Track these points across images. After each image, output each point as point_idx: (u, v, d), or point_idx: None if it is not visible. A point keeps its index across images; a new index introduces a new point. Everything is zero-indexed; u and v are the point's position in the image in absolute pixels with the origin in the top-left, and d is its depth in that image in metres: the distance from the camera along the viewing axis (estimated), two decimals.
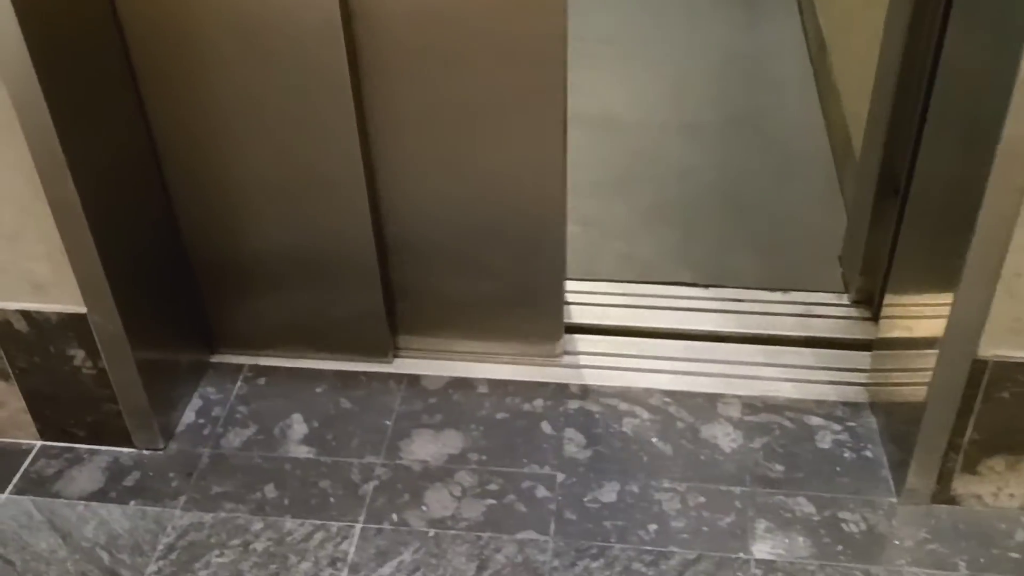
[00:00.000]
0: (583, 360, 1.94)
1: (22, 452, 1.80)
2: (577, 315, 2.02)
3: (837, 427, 1.78)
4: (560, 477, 1.72)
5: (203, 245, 1.83)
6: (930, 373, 1.53)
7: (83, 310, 1.62)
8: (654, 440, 1.77)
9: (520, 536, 1.62)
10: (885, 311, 1.81)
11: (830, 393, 1.84)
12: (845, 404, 1.82)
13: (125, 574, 1.59)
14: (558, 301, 1.89)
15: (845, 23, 2.60)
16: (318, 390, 1.90)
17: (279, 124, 1.67)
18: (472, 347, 1.94)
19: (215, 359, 1.97)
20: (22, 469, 1.77)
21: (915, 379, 1.61)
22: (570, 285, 2.07)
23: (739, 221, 2.36)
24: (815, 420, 1.79)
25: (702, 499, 1.67)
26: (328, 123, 1.65)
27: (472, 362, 1.94)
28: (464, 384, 1.90)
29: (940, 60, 1.58)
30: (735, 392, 1.85)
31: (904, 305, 1.71)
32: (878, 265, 1.91)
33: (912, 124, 1.73)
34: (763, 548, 1.59)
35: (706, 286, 2.08)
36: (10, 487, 1.75)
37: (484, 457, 1.76)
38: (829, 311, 2.00)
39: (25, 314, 1.64)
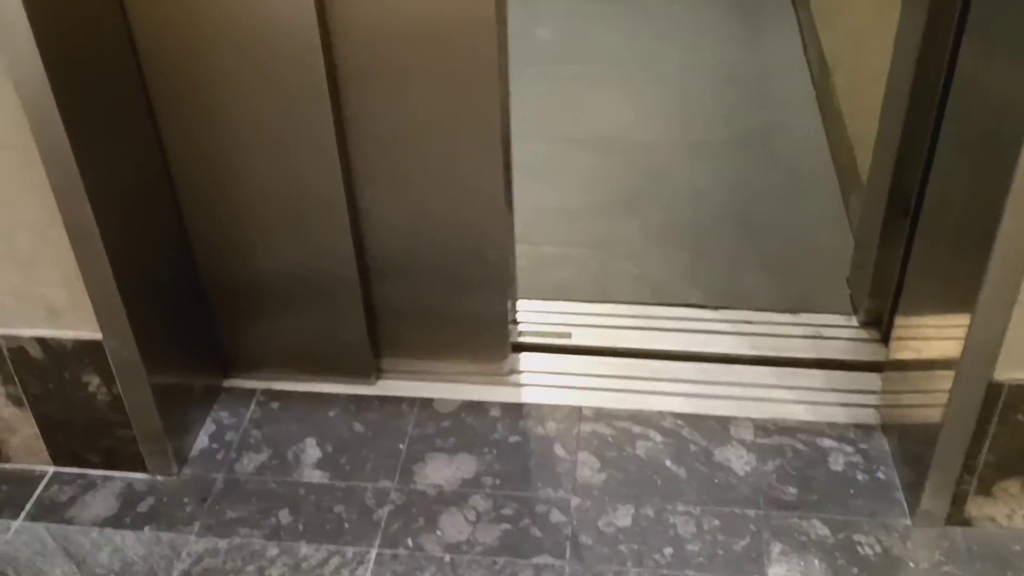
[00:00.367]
0: (591, 383, 1.95)
1: (35, 478, 1.80)
2: (581, 337, 2.03)
3: (850, 449, 1.78)
4: (575, 501, 1.72)
5: (215, 268, 1.84)
6: (943, 395, 1.53)
7: (99, 336, 1.62)
8: (668, 463, 1.77)
9: (536, 560, 1.62)
10: (896, 333, 1.81)
11: (842, 415, 1.84)
12: (857, 426, 1.82)
13: None
14: (502, 320, 1.90)
15: (848, 44, 2.62)
16: (331, 414, 1.90)
17: (274, 146, 1.68)
18: (446, 368, 1.96)
19: (228, 383, 1.97)
20: (35, 495, 1.77)
21: (927, 401, 1.62)
22: (561, 306, 2.12)
23: (747, 241, 2.37)
24: (828, 442, 1.79)
25: (717, 522, 1.67)
26: (311, 144, 1.67)
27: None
28: (476, 407, 1.90)
29: (953, 80, 1.59)
30: (747, 414, 1.85)
31: (915, 327, 1.71)
32: (887, 287, 1.92)
33: (923, 145, 1.74)
34: (779, 571, 1.60)
35: (716, 308, 2.09)
36: (23, 514, 1.74)
37: (498, 481, 1.76)
38: (838, 333, 2.01)
39: (40, 340, 1.64)
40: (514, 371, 1.98)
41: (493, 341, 1.93)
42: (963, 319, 1.46)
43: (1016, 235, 1.36)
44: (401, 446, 1.83)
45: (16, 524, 1.72)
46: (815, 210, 2.47)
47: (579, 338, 2.03)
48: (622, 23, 3.47)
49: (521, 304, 2.12)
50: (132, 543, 1.68)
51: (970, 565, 1.60)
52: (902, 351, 1.77)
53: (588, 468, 1.77)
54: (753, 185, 2.59)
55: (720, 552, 1.62)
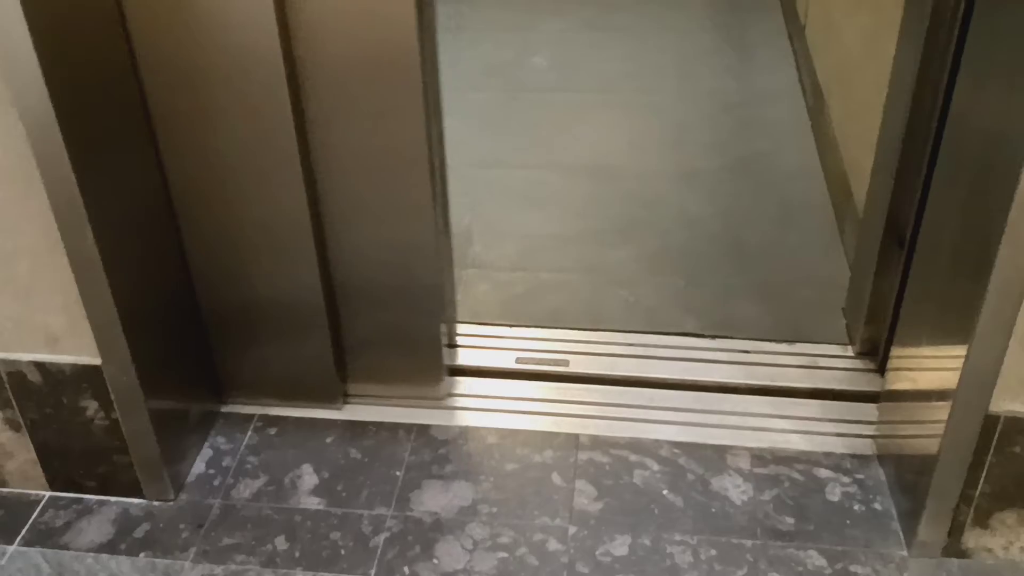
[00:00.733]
0: (586, 410, 1.95)
1: (31, 503, 1.79)
2: (577, 365, 2.03)
3: (846, 479, 1.79)
4: (572, 530, 1.72)
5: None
6: (939, 426, 1.54)
7: (98, 362, 1.62)
8: (665, 492, 1.78)
9: None
10: (892, 363, 1.82)
11: (838, 445, 1.85)
12: (853, 456, 1.83)
13: None
14: (436, 344, 1.92)
15: (843, 74, 2.64)
16: (328, 440, 1.90)
17: (256, 175, 1.70)
18: (390, 391, 1.98)
19: (225, 409, 1.97)
20: (31, 520, 1.76)
21: (924, 431, 1.63)
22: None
23: (741, 269, 2.38)
24: (824, 472, 1.80)
25: (714, 552, 1.67)
26: (282, 173, 1.69)
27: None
28: (474, 434, 1.90)
29: (948, 111, 1.60)
30: (744, 444, 1.86)
31: (911, 357, 1.72)
32: (883, 317, 1.93)
33: (919, 175, 1.75)
34: None
35: (712, 337, 2.10)
36: (19, 539, 1.73)
37: (495, 509, 1.76)
38: (834, 363, 2.02)
39: (39, 365, 1.63)
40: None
41: (428, 365, 1.95)
42: (959, 350, 1.47)
43: (1012, 267, 1.37)
44: (398, 473, 1.83)
45: (11, 549, 1.72)
46: (810, 238, 2.49)
47: (575, 365, 2.03)
48: (617, 51, 3.50)
49: (516, 331, 2.13)
50: (127, 569, 1.67)
51: None
52: (898, 381, 1.78)
53: (585, 497, 1.77)
54: (748, 213, 2.60)
55: None
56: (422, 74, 1.61)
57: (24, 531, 1.74)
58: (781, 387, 1.96)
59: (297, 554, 1.69)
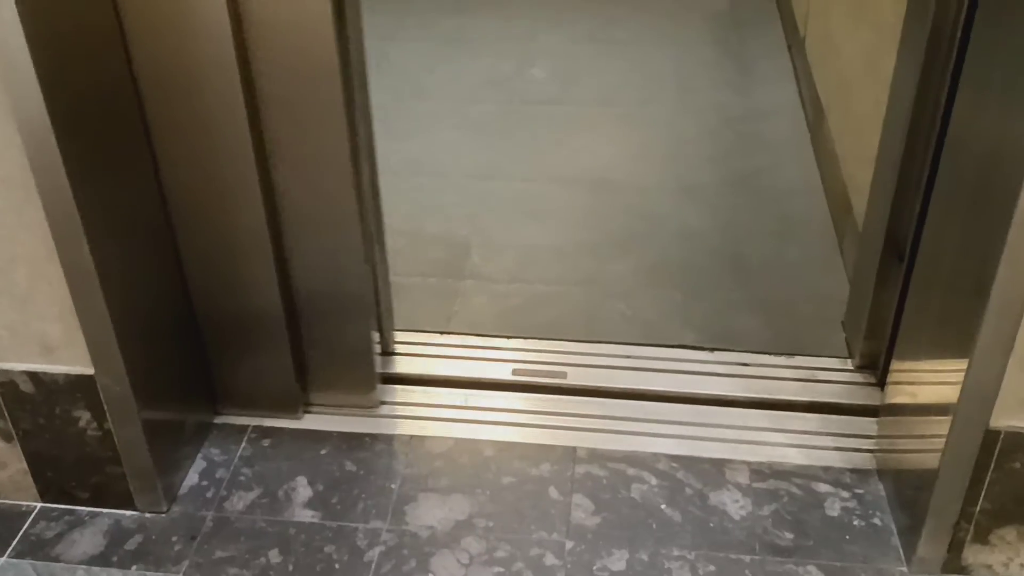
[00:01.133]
0: (583, 423, 1.94)
1: (22, 514, 1.78)
2: (574, 377, 2.02)
3: (845, 494, 1.77)
4: (569, 544, 1.70)
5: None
6: (939, 441, 1.53)
7: (91, 371, 1.61)
8: (663, 507, 1.76)
9: None
10: (891, 377, 1.81)
11: (837, 459, 1.84)
12: (852, 471, 1.82)
13: None
14: (368, 353, 1.92)
15: (843, 89, 2.64)
16: (322, 452, 1.88)
17: (241, 185, 1.70)
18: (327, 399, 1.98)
19: (219, 420, 1.95)
20: (22, 531, 1.75)
21: (923, 446, 1.62)
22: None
23: (740, 283, 2.37)
24: (823, 487, 1.79)
25: (712, 568, 1.65)
26: (242, 186, 1.70)
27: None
28: (470, 447, 1.89)
29: (948, 127, 1.60)
30: (743, 458, 1.84)
31: (911, 372, 1.72)
32: (883, 331, 1.92)
33: (918, 190, 1.75)
34: None
35: (711, 349, 2.09)
36: (9, 550, 1.72)
37: (491, 523, 1.74)
38: (834, 376, 2.00)
39: (32, 375, 1.62)
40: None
41: (362, 374, 1.95)
42: (959, 364, 1.46)
43: (1012, 283, 1.37)
44: (393, 486, 1.81)
45: (2, 561, 1.70)
46: (809, 252, 2.48)
47: (572, 378, 2.02)
48: (616, 63, 3.50)
49: (511, 343, 2.12)
50: None
51: None
52: (898, 395, 1.77)
53: (582, 511, 1.76)
54: (747, 226, 2.59)
55: None
56: (342, 84, 1.62)
57: (15, 542, 1.73)
58: (780, 400, 1.95)
59: (291, 567, 1.67)
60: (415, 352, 2.09)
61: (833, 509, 1.75)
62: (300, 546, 1.71)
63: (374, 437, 1.91)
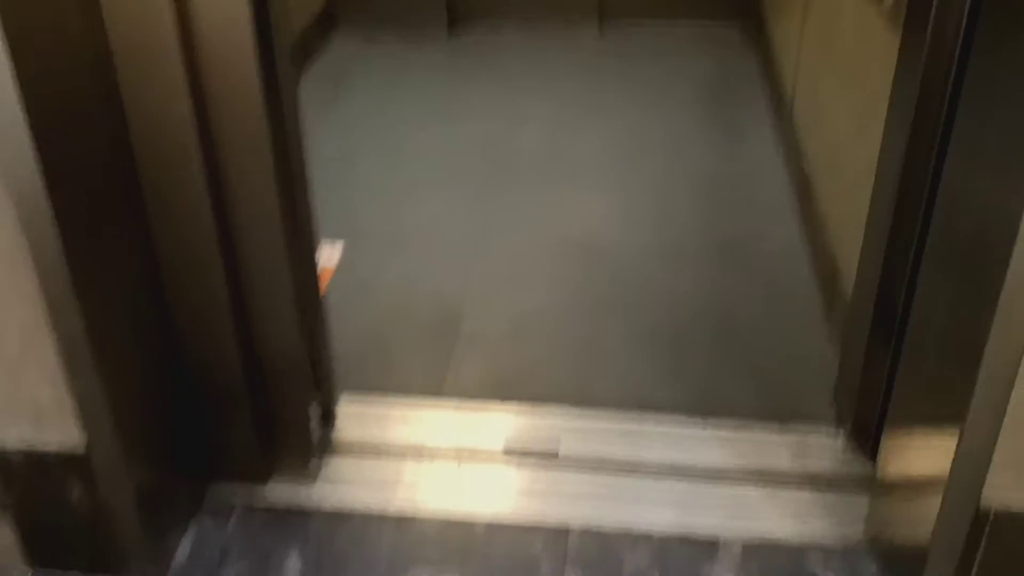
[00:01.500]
0: (577, 496, 1.93)
1: None
2: (566, 448, 2.02)
3: (837, 567, 1.77)
4: None
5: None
6: (930, 516, 1.53)
7: (83, 441, 1.60)
8: None
9: None
10: (883, 448, 1.81)
11: (829, 534, 1.83)
12: (844, 546, 1.81)
13: None
14: (303, 424, 1.92)
15: (831, 154, 2.67)
16: (315, 524, 1.87)
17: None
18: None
19: (212, 488, 1.94)
20: None
21: (914, 522, 1.61)
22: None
23: (729, 350, 2.39)
24: (814, 563, 1.78)
25: None
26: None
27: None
28: (459, 523, 1.88)
29: (938, 191, 1.60)
30: (735, 532, 1.84)
31: (902, 445, 1.72)
32: (874, 401, 1.93)
33: (908, 257, 1.75)
34: None
35: (704, 418, 2.09)
36: None
37: None
38: (825, 448, 2.01)
39: (24, 444, 1.61)
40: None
41: (298, 442, 1.95)
42: (951, 439, 1.47)
43: (1004, 351, 1.37)
44: (384, 560, 1.80)
45: None
46: (798, 319, 2.50)
47: (565, 448, 2.02)
48: (604, 130, 3.54)
49: (506, 406, 2.12)
50: None
51: None
52: (890, 467, 1.78)
53: None
54: (735, 292, 2.61)
55: None
56: (272, 152, 1.62)
57: None
58: (772, 471, 1.95)
59: None
60: (400, 419, 2.10)
61: None
62: None
63: (350, 513, 1.90)
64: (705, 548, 1.81)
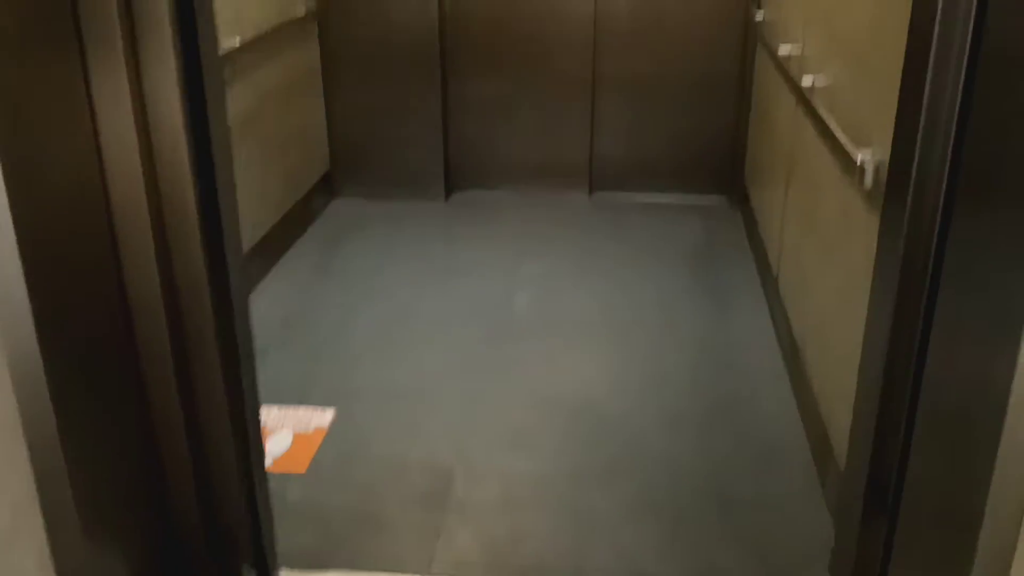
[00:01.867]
0: None
1: None
2: None
3: None
4: None
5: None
6: None
7: None
8: None
9: None
10: None
11: None
12: None
13: None
14: None
15: (818, 323, 2.70)
16: None
17: None
18: None
19: None
20: None
21: None
22: None
23: (723, 516, 2.36)
24: None
25: None
26: None
27: None
28: None
29: (925, 365, 1.61)
30: None
31: None
32: (871, 574, 1.90)
33: (899, 429, 1.75)
34: None
35: None
36: None
37: None
38: None
39: None
40: None
41: None
42: None
43: (1001, 523, 1.36)
44: None
45: None
46: (792, 487, 2.48)
47: None
48: (596, 294, 3.60)
49: None
50: None
51: None
52: None
53: None
54: (728, 457, 2.60)
55: None
56: (215, 330, 1.68)
57: None
58: None
59: None
60: None
61: None
62: None
63: None
64: None
